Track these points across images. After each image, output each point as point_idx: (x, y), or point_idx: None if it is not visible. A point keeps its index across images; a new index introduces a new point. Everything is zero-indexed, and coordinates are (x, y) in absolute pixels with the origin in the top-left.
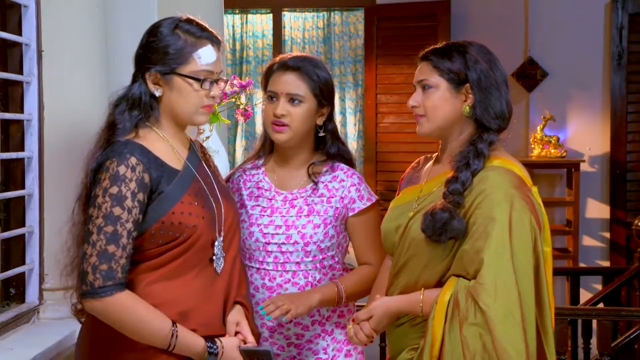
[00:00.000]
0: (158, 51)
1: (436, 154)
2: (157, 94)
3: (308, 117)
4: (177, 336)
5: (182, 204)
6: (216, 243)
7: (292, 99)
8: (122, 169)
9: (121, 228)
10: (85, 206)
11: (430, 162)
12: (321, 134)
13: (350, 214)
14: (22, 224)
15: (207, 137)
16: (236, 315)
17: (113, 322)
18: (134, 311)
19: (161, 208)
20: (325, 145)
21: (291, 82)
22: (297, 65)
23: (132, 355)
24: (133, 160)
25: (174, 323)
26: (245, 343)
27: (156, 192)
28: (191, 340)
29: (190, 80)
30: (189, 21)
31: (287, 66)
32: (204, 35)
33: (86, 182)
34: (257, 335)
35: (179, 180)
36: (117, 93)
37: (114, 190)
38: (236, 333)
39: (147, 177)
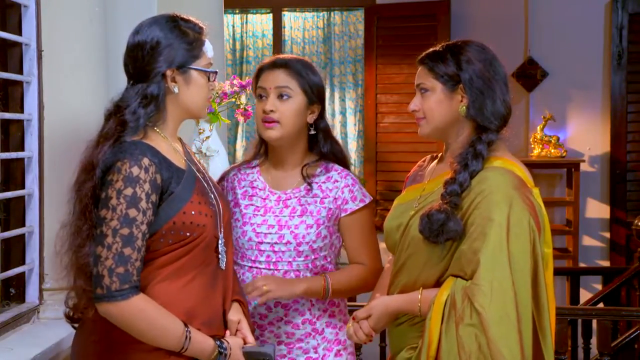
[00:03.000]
0: (173, 48)
1: (441, 153)
2: (176, 90)
3: (298, 113)
4: (190, 338)
5: (191, 203)
6: (219, 240)
7: (281, 95)
8: (135, 170)
9: (136, 230)
10: (91, 207)
11: (435, 162)
12: (312, 132)
13: (343, 214)
14: (22, 224)
15: (207, 137)
16: (237, 313)
17: (127, 325)
18: (149, 314)
19: (172, 208)
20: (318, 144)
21: (280, 77)
22: (286, 62)
23: (139, 356)
24: (146, 161)
25: (185, 325)
26: (245, 342)
27: (167, 192)
28: (202, 342)
29: (204, 74)
30: (181, 18)
31: (275, 64)
32: (202, 30)
33: (93, 182)
34: (252, 331)
35: (186, 180)
36: (119, 95)
37: (129, 191)
38: (236, 331)
39: (159, 178)
